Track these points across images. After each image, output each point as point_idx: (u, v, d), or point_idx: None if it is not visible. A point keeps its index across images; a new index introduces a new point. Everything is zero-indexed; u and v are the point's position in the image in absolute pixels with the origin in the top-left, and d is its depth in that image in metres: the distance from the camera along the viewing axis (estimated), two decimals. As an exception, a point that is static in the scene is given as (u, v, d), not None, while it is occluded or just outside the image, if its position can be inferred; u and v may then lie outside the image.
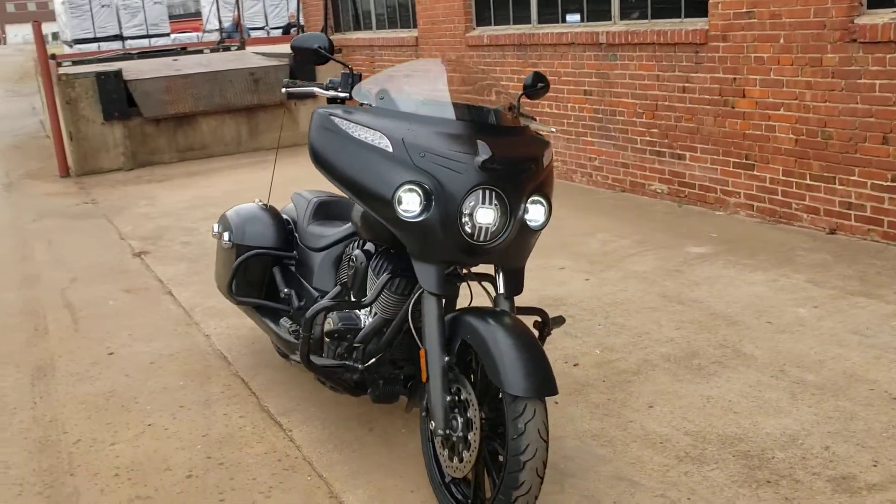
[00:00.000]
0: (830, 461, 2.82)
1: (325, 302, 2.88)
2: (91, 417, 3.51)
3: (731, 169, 5.79)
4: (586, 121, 6.98)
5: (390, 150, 2.57)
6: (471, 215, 2.54)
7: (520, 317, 2.75)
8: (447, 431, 2.55)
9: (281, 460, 3.09)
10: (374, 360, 2.87)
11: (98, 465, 3.13)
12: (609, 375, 3.56)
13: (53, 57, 11.15)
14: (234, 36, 14.65)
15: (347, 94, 2.82)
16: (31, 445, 3.32)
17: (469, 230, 2.55)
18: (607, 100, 6.71)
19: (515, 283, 2.74)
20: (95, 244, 6.40)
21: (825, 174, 5.19)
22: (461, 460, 2.56)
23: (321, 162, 2.73)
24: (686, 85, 5.97)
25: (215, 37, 16.85)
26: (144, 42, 18.73)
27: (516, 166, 2.62)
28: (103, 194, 8.29)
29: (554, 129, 3.34)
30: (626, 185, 6.73)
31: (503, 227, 2.59)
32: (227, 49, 12.16)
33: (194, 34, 19.67)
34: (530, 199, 2.67)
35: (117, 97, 9.35)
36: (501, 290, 2.73)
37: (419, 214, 2.54)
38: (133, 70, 9.74)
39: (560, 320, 3.20)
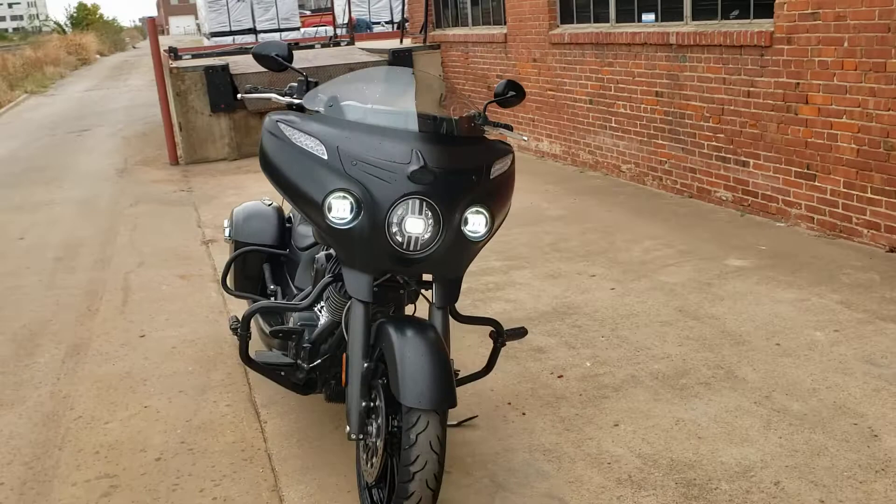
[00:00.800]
0: (774, 497, 2.68)
1: (263, 302, 2.98)
2: (99, 396, 3.79)
3: (792, 178, 5.49)
4: (657, 123, 6.79)
5: (325, 157, 2.64)
6: (401, 224, 2.58)
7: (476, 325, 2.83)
8: (360, 436, 2.61)
9: (244, 450, 3.24)
10: (318, 360, 2.96)
11: (86, 441, 3.39)
12: (588, 390, 3.50)
13: (174, 51, 11.89)
14: (363, 31, 15.08)
15: (301, 101, 2.91)
16: (39, 419, 3.62)
17: (399, 239, 2.59)
18: (677, 102, 6.50)
19: (450, 293, 2.76)
20: (173, 230, 6.81)
21: (887, 188, 4.84)
22: (371, 466, 2.62)
23: (266, 167, 2.84)
24: (751, 89, 5.70)
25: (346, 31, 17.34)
26: (276, 36, 19.56)
27: (453, 176, 2.62)
28: (200, 183, 8.78)
29: (526, 137, 3.31)
30: (693, 191, 6.50)
31: (434, 237, 2.61)
32: (338, 44, 12.52)
33: (322, 29, 20.34)
34: (470, 210, 2.68)
35: (224, 90, 9.84)
36: (434, 299, 2.75)
37: (349, 222, 2.60)
38: (241, 64, 10.22)
39: (520, 332, 3.19)
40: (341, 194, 2.60)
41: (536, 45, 8.41)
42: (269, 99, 3.03)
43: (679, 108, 6.48)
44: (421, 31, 11.19)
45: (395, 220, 2.58)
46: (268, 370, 3.01)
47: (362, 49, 11.47)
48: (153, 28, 10.05)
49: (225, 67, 9.89)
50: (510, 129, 3.14)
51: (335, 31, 13.54)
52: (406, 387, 2.39)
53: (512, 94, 3.15)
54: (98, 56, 44.63)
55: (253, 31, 20.72)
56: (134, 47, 35.23)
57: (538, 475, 2.92)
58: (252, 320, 3.62)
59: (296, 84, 3.00)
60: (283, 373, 3.04)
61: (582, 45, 7.62)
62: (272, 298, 3.62)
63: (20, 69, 22.83)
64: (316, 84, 2.96)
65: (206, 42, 21.20)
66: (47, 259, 6.13)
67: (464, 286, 2.93)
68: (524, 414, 3.34)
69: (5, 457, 3.32)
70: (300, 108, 2.90)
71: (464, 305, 4.10)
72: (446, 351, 2.55)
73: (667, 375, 3.57)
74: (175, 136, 10.01)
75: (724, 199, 6.15)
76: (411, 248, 2.61)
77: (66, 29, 74.05)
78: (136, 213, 7.55)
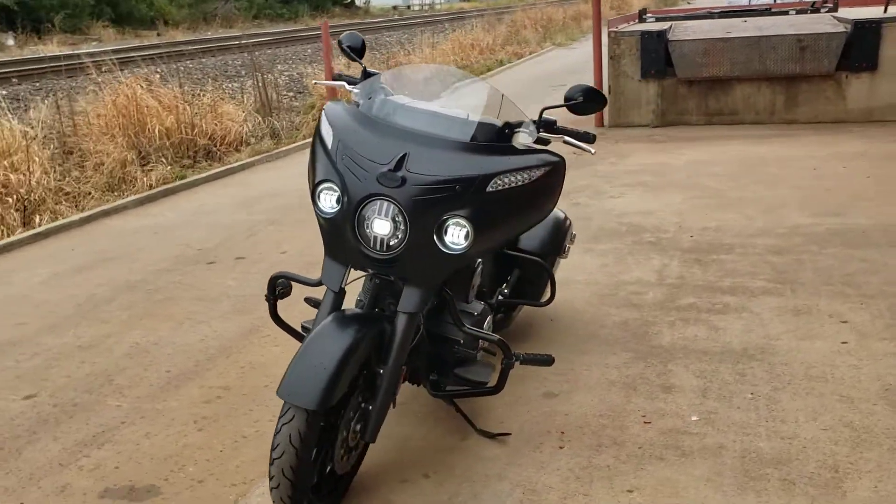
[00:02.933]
0: None
1: (284, 271, 3.20)
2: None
3: None
4: None
5: (330, 147, 2.81)
6: (371, 223, 2.65)
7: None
8: None
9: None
10: None
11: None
12: (656, 447, 3.06)
13: (644, 11, 12.02)
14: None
15: (357, 90, 3.05)
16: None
17: (369, 238, 2.67)
18: None
19: (416, 301, 2.72)
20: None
21: None
22: None
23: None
24: None
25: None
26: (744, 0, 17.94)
27: (431, 184, 2.59)
28: (602, 147, 8.94)
29: (593, 151, 2.97)
30: None
31: (401, 241, 2.63)
32: (816, 11, 11.28)
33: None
34: (451, 221, 2.61)
35: (656, 56, 9.73)
36: (399, 302, 2.74)
37: (333, 213, 2.75)
38: (680, 30, 9.97)
39: (544, 360, 3.02)
40: (328, 185, 2.75)
41: None
42: (338, 86, 3.21)
43: None
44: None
45: (367, 218, 2.65)
46: (295, 333, 3.29)
47: (836, 17, 10.19)
48: (598, -8, 10.31)
49: (661, 34, 9.74)
50: (587, 138, 2.88)
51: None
52: (287, 378, 2.50)
53: (580, 99, 2.87)
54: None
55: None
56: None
57: (497, 511, 2.76)
58: None
59: (373, 72, 3.14)
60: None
61: None
62: None
63: (559, 23, 24.90)
64: (370, 75, 3.06)
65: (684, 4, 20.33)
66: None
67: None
68: (561, 447, 3.09)
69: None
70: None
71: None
72: (349, 354, 2.55)
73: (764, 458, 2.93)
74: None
75: None
76: (378, 248, 2.66)
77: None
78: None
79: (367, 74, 3.12)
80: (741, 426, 3.16)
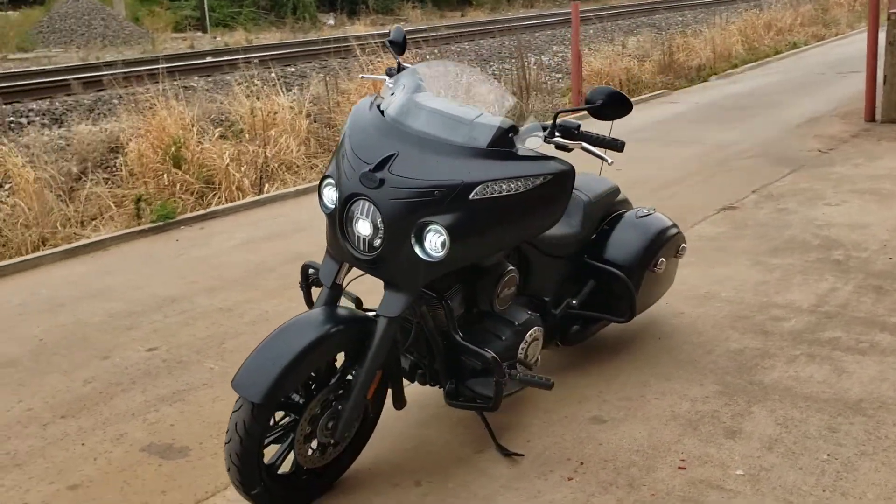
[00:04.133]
0: None
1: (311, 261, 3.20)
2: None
3: None
4: None
5: (340, 143, 2.83)
6: (356, 223, 2.66)
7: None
8: None
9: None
10: None
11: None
12: (676, 497, 2.72)
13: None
14: None
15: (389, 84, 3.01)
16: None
17: (354, 237, 2.67)
18: None
19: (394, 305, 2.66)
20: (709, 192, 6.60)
21: None
22: None
23: None
24: None
25: None
26: None
27: (410, 188, 2.54)
28: (856, 145, 7.90)
29: (611, 161, 2.67)
30: None
31: (381, 243, 2.60)
32: None
33: None
34: (430, 227, 2.54)
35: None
36: (379, 305, 2.70)
37: (330, 208, 2.78)
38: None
39: (543, 383, 2.84)
40: (329, 181, 2.79)
41: None
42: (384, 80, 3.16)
43: None
44: None
45: (353, 217, 2.65)
46: None
47: None
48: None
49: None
50: (614, 144, 2.65)
51: None
52: (241, 369, 2.57)
53: (599, 103, 2.63)
54: None
55: None
56: None
57: (463, 534, 2.64)
58: None
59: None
60: None
61: None
62: None
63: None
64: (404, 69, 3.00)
65: None
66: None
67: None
68: (570, 479, 2.86)
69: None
70: None
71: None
72: (307, 352, 2.55)
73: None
74: (876, 90, 9.02)
75: None
76: (362, 248, 2.66)
77: None
78: (725, 168, 7.42)
79: (400, 69, 3.06)
80: (789, 491, 2.72)
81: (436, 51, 13.65)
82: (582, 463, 2.95)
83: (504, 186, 2.60)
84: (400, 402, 2.96)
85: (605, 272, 3.50)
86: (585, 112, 2.73)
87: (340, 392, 2.69)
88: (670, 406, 3.30)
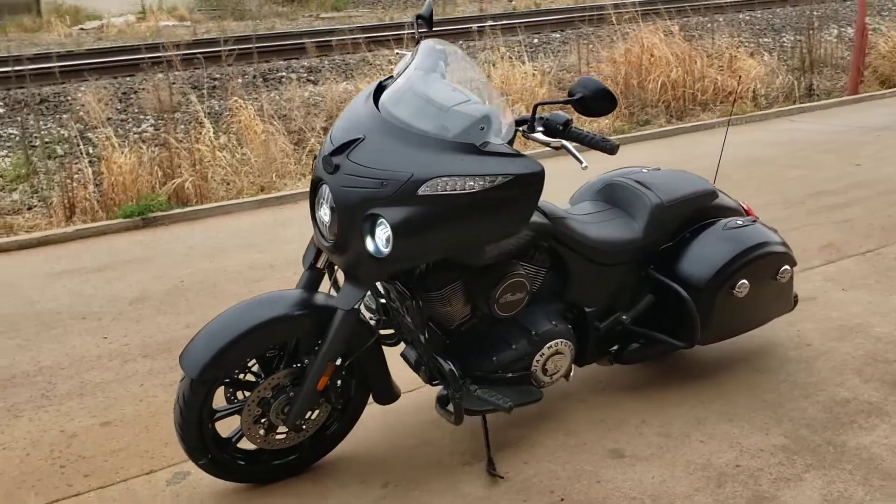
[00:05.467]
0: None
1: None
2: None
3: None
4: None
5: None
6: (320, 207, 2.58)
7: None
8: None
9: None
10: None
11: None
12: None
13: None
14: None
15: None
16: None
17: (318, 221, 2.59)
18: None
19: (348, 298, 2.54)
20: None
21: None
22: None
23: None
24: None
25: None
26: None
27: (360, 176, 2.41)
28: None
29: (585, 165, 2.29)
30: None
31: (336, 232, 2.50)
32: None
33: None
34: (379, 221, 2.40)
35: None
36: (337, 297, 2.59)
37: None
38: None
39: (504, 407, 2.58)
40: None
41: None
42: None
43: None
44: None
45: (319, 201, 2.57)
46: None
47: None
48: None
49: None
50: (605, 146, 2.36)
51: None
52: (188, 344, 2.58)
53: (577, 96, 2.31)
54: None
55: None
56: None
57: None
58: None
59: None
60: None
61: None
62: None
63: None
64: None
65: None
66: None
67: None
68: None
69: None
70: None
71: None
72: (250, 333, 2.50)
73: None
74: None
75: None
76: (325, 233, 2.57)
77: None
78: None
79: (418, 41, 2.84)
80: None
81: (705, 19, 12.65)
82: (562, 499, 2.63)
83: (458, 184, 2.34)
84: (384, 398, 2.82)
85: (665, 287, 3.05)
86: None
87: (296, 379, 2.63)
88: (711, 453, 2.82)
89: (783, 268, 3.15)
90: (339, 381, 2.73)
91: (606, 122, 8.80)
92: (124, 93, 10.32)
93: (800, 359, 3.45)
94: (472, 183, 2.34)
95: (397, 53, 3.03)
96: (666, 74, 9.83)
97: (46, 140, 8.81)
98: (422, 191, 2.33)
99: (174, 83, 10.00)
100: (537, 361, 2.86)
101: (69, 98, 10.02)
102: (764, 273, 3.12)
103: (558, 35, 13.62)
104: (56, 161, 7.97)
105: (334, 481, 2.78)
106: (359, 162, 2.40)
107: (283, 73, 11.36)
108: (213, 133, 7.55)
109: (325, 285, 2.80)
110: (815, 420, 2.99)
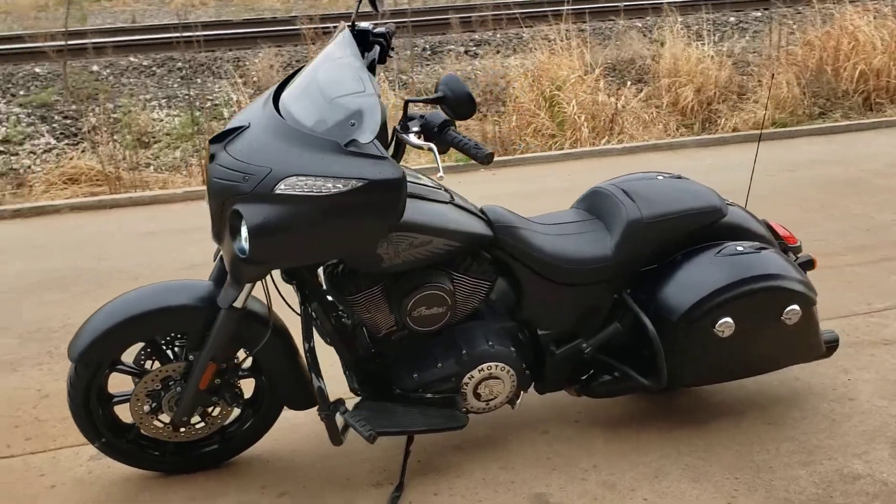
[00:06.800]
0: None
1: None
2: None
3: None
4: None
5: None
6: None
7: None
8: None
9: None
10: None
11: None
12: None
13: None
14: None
15: None
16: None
17: None
18: None
19: (227, 295, 2.40)
20: None
21: None
22: None
23: None
24: None
25: None
26: None
27: (228, 167, 2.24)
28: None
29: (441, 175, 1.99)
30: None
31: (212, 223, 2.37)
32: None
33: None
34: (243, 218, 2.23)
35: None
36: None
37: None
38: None
39: (368, 436, 2.35)
40: None
41: None
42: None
43: None
44: None
45: None
46: None
47: None
48: None
49: None
50: (478, 154, 2.08)
51: None
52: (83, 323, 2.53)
53: (439, 93, 2.03)
54: None
55: None
56: None
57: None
58: None
59: None
60: None
61: None
62: None
63: None
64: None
65: None
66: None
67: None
68: None
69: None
70: None
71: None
72: (130, 321, 2.42)
73: None
74: None
75: None
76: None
77: None
78: None
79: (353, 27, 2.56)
80: None
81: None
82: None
83: (315, 184, 2.10)
84: (295, 403, 2.64)
85: (634, 317, 2.63)
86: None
87: (186, 373, 2.50)
88: (653, 512, 2.41)
89: (790, 307, 2.61)
90: (234, 381, 2.58)
91: (767, 111, 7.94)
92: (297, 60, 10.69)
93: (830, 414, 2.88)
94: (329, 185, 2.10)
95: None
96: (867, 62, 8.69)
97: (216, 103, 9.34)
98: (279, 189, 2.12)
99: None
100: (466, 384, 2.57)
101: (247, 63, 10.50)
102: (760, 311, 2.60)
103: (758, 14, 12.49)
104: (220, 122, 8.41)
105: (237, 482, 2.65)
106: (232, 153, 2.22)
107: (452, 47, 11.28)
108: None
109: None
110: (799, 495, 2.47)
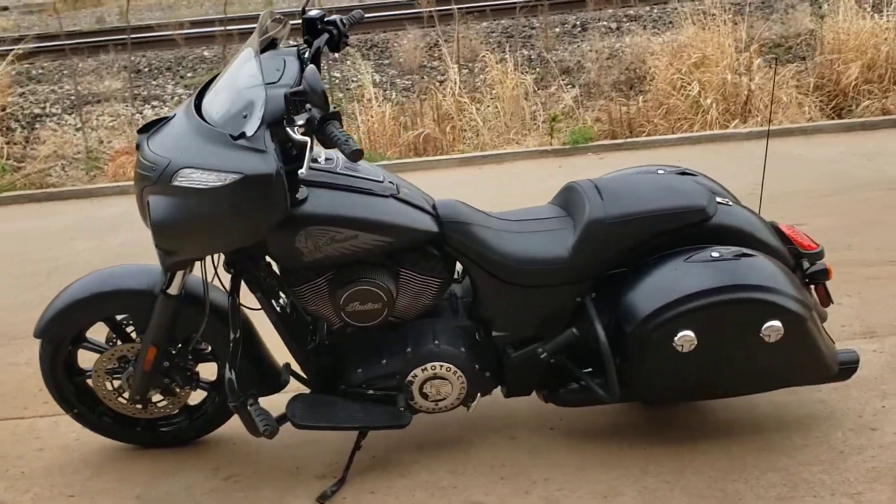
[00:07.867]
0: None
1: None
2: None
3: None
4: None
5: None
6: None
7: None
8: None
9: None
10: None
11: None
12: None
13: None
14: None
15: None
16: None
17: None
18: None
19: (158, 281, 2.47)
20: None
21: None
22: None
23: None
24: None
25: None
26: None
27: (144, 159, 2.27)
28: None
29: (303, 172, 1.91)
30: None
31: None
32: None
33: None
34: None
35: None
36: None
37: None
38: None
39: (267, 430, 2.35)
40: None
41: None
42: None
43: None
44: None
45: None
46: None
47: None
48: None
49: None
50: (346, 149, 2.03)
51: None
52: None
53: (303, 87, 1.99)
54: None
55: None
56: None
57: None
58: None
59: None
60: None
61: None
62: None
63: None
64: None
65: None
66: None
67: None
68: None
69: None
70: None
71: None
72: (84, 302, 2.52)
73: None
74: None
75: None
76: None
77: None
78: None
79: (304, 13, 2.48)
80: None
81: None
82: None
83: (203, 177, 2.10)
84: (259, 390, 2.63)
85: (588, 323, 2.41)
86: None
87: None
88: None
89: (769, 323, 2.28)
90: (186, 364, 2.62)
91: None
92: (446, 41, 10.70)
93: (839, 445, 2.52)
94: (213, 178, 2.10)
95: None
96: None
97: (357, 84, 9.58)
98: (176, 181, 2.13)
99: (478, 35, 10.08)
100: (410, 383, 2.47)
101: (395, 45, 10.65)
102: (730, 326, 2.30)
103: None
104: (360, 104, 8.61)
105: (194, 461, 2.71)
106: (150, 143, 2.26)
107: (604, 22, 10.85)
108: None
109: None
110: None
